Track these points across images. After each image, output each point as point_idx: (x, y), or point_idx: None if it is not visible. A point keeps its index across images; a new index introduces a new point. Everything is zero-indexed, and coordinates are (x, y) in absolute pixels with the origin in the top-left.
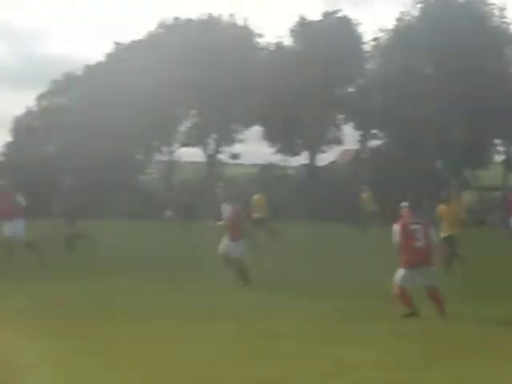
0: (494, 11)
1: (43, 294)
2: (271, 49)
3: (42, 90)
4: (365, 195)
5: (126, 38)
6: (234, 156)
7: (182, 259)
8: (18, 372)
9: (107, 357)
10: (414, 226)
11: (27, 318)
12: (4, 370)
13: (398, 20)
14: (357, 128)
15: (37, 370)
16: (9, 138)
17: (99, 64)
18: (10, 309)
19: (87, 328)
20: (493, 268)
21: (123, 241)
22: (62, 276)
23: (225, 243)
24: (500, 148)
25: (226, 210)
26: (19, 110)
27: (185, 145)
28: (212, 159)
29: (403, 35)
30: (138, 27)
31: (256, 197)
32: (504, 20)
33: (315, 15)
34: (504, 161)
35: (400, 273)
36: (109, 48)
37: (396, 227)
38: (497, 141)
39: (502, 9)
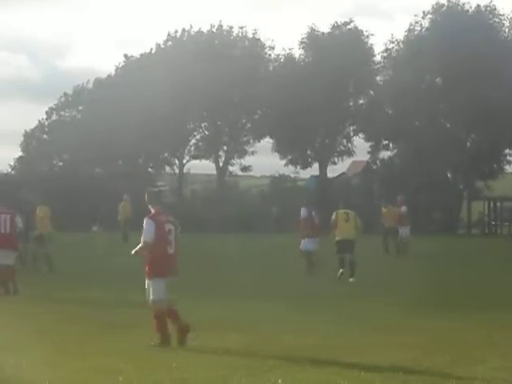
0: (504, 22)
1: None
2: (281, 60)
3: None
4: (384, 209)
5: (136, 51)
6: (245, 168)
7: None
8: None
9: None
10: None
11: None
12: None
13: (409, 31)
14: (367, 139)
15: None
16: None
17: (109, 77)
18: None
19: None
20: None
21: None
22: None
23: None
24: (511, 158)
25: None
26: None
27: (195, 157)
28: (223, 171)
29: (414, 46)
30: (148, 39)
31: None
32: None
33: (326, 26)
34: None
35: None
36: (119, 61)
37: None
38: (507, 151)
39: None
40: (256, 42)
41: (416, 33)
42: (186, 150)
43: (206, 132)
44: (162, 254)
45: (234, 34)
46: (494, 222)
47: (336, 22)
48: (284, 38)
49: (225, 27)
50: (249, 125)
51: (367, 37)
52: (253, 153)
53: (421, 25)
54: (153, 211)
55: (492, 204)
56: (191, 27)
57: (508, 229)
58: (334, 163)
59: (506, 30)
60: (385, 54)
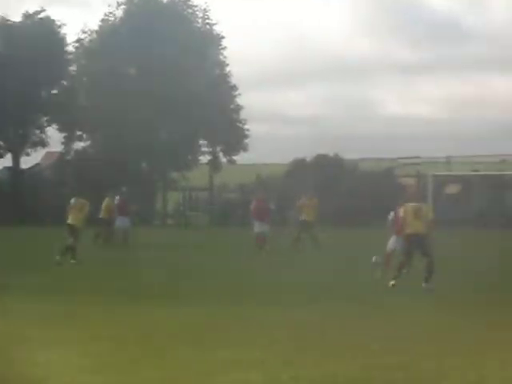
0: (198, 13)
1: None
2: None
3: None
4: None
5: None
6: None
7: None
8: None
9: None
10: None
11: None
12: None
13: (103, 21)
14: (61, 130)
15: None
16: None
17: None
18: None
19: None
20: None
21: None
22: None
23: None
24: (205, 149)
25: None
26: None
27: None
28: None
29: (107, 36)
30: None
31: None
32: (207, 21)
33: (18, 16)
34: (210, 161)
35: None
36: None
37: None
38: (202, 142)
39: (206, 10)
40: None
41: (110, 23)
42: None
43: None
44: None
45: None
46: (189, 212)
47: (27, 11)
48: None
49: None
50: None
51: (60, 26)
52: None
53: (115, 15)
54: None
55: (187, 194)
56: None
57: (202, 218)
58: (28, 154)
59: (200, 21)
60: (77, 44)
